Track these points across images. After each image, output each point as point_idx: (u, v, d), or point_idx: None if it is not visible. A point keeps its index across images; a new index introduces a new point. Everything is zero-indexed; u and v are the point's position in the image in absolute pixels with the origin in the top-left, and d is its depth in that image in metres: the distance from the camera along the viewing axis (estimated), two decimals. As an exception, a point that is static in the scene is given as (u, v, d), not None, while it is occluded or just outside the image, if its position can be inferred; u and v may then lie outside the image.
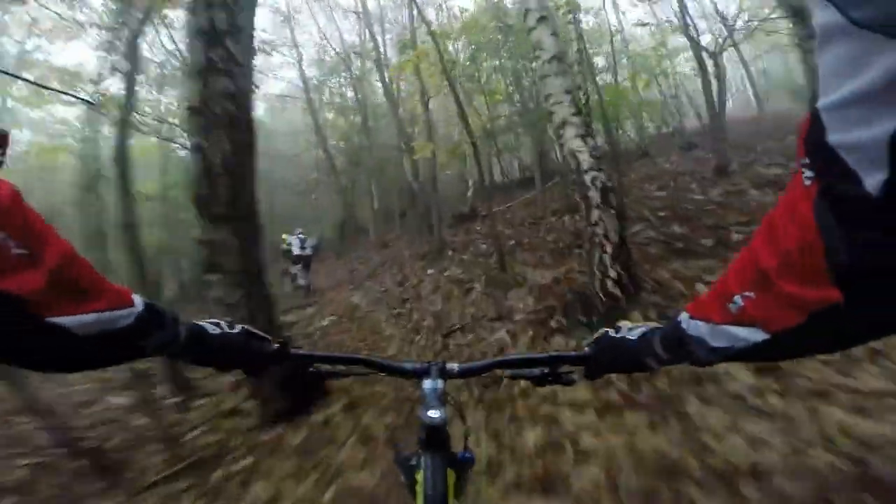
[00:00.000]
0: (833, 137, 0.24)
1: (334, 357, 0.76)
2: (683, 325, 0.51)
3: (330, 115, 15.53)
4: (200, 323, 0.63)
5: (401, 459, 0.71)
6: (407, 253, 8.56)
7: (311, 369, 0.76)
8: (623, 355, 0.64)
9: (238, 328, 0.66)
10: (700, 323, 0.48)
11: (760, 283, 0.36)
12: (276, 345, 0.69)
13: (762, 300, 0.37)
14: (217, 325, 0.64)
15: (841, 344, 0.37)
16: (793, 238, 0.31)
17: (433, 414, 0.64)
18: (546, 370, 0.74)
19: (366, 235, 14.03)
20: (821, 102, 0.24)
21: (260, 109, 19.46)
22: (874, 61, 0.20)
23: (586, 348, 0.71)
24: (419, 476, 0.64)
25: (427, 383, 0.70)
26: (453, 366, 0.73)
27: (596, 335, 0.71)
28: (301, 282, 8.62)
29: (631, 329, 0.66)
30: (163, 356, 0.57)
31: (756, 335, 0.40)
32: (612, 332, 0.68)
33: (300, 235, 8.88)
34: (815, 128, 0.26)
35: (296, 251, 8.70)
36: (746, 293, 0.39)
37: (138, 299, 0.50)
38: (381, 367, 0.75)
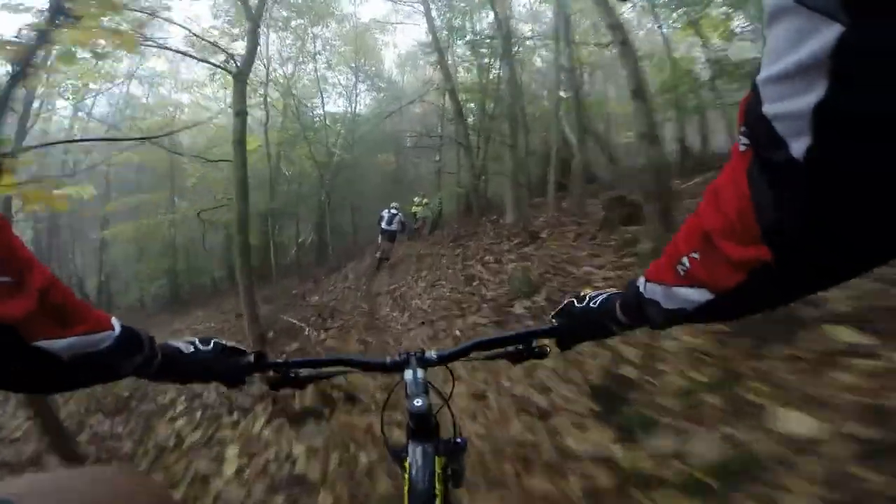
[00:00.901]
0: (767, 108, 0.26)
1: (312, 361, 0.79)
2: (641, 289, 0.52)
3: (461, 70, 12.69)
4: (174, 343, 0.65)
5: (393, 452, 0.74)
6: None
7: (290, 375, 0.75)
8: (588, 323, 0.67)
9: (212, 344, 0.69)
10: (655, 285, 0.49)
11: (704, 244, 0.38)
12: (252, 355, 0.71)
13: (706, 260, 0.39)
14: (191, 343, 0.67)
15: (779, 300, 0.39)
16: (731, 201, 0.33)
17: (417, 402, 0.66)
18: (521, 346, 0.76)
19: (492, 214, 9.03)
20: (760, 76, 0.26)
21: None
22: (809, 39, 0.21)
23: (553, 321, 0.73)
24: (407, 463, 0.65)
25: (408, 374, 0.71)
26: (431, 354, 0.75)
27: (560, 306, 0.73)
28: (377, 253, 8.80)
29: (593, 297, 0.67)
30: (139, 377, 0.58)
31: (703, 295, 0.41)
32: (576, 303, 0.70)
33: (392, 209, 9.05)
34: (753, 99, 0.27)
35: (382, 225, 8.90)
36: (692, 254, 0.40)
37: (116, 322, 0.51)
38: (361, 364, 0.78)
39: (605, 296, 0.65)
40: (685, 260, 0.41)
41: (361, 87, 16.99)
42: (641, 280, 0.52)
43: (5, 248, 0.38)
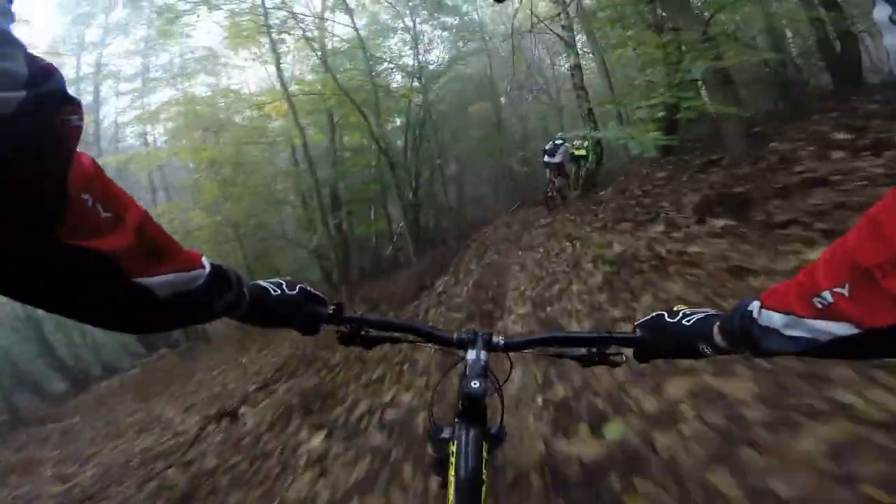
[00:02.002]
0: None
1: (384, 322, 0.75)
2: (755, 315, 0.49)
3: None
4: (262, 284, 0.65)
5: (434, 431, 0.72)
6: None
7: (361, 333, 0.72)
8: (675, 340, 0.63)
9: (297, 288, 0.67)
10: (775, 314, 0.46)
11: (858, 277, 0.36)
12: (332, 307, 0.70)
13: (859, 296, 0.36)
14: (278, 285, 0.66)
15: None
16: None
17: (475, 385, 0.63)
18: (594, 350, 0.70)
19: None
20: None
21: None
22: None
23: (637, 330, 0.69)
24: (453, 447, 0.64)
25: (471, 354, 0.68)
26: (499, 339, 0.72)
27: (648, 317, 0.69)
28: (547, 191, 7.97)
29: (687, 315, 0.63)
30: (228, 317, 0.57)
31: (845, 330, 0.39)
32: (666, 316, 0.66)
33: (558, 141, 8.02)
34: None
35: (545, 158, 8.02)
36: (837, 289, 0.38)
37: (206, 261, 0.50)
38: (428, 334, 0.74)
39: (701, 315, 0.62)
40: (826, 294, 0.39)
41: (425, 27, 13.75)
42: (755, 305, 0.49)
43: (104, 188, 0.37)
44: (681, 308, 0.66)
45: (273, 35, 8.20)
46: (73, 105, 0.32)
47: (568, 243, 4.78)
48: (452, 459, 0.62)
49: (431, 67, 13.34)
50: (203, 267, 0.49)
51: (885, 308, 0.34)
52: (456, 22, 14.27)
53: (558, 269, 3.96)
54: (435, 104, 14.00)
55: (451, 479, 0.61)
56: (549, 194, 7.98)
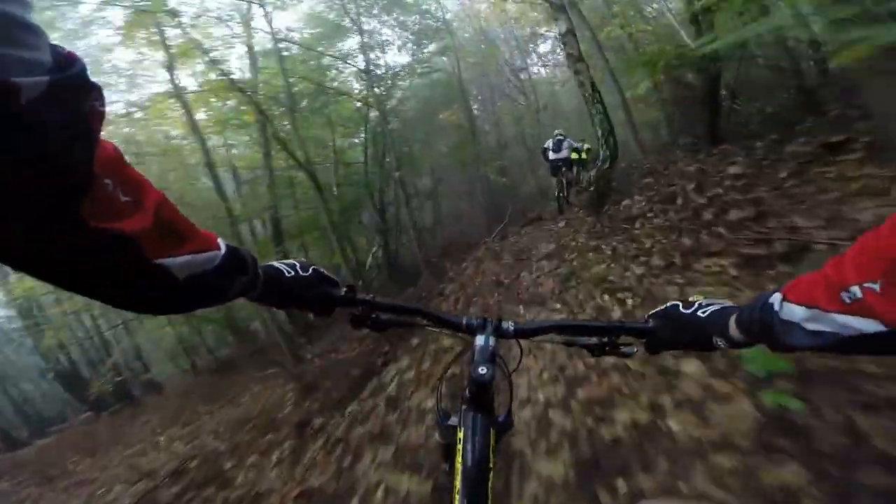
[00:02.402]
0: None
1: (396, 306, 0.74)
2: (776, 308, 0.48)
3: None
4: (276, 265, 0.65)
5: (441, 417, 0.71)
6: None
7: (373, 316, 0.71)
8: (690, 331, 0.62)
9: (310, 270, 0.68)
10: (798, 307, 0.45)
11: (891, 275, 0.35)
12: (345, 289, 0.70)
13: (890, 292, 0.36)
14: (292, 266, 0.66)
15: None
16: None
17: (482, 370, 0.62)
18: (605, 339, 0.69)
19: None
20: None
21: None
22: None
23: (650, 320, 0.68)
24: (461, 434, 0.63)
25: (480, 339, 0.68)
26: (509, 325, 0.70)
27: (662, 307, 0.67)
28: (556, 192, 7.45)
29: (703, 305, 0.62)
30: (244, 297, 0.57)
31: (871, 326, 0.38)
32: (681, 307, 0.65)
33: (558, 136, 7.53)
34: None
35: (550, 157, 7.46)
36: (868, 284, 0.37)
37: (222, 243, 0.50)
38: (438, 319, 0.74)
39: (717, 307, 0.61)
40: (855, 289, 0.38)
41: (379, 26, 11.93)
42: (776, 297, 0.48)
43: (124, 172, 0.38)
44: (696, 299, 0.65)
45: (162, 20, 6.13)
46: (97, 91, 0.33)
47: (609, 298, 2.83)
48: (459, 447, 0.61)
49: (386, 72, 11.42)
50: (219, 248, 0.49)
51: None
52: (416, 20, 12.50)
53: (619, 383, 1.97)
54: (397, 111, 12.18)
55: (459, 466, 0.59)
56: (560, 194, 7.41)
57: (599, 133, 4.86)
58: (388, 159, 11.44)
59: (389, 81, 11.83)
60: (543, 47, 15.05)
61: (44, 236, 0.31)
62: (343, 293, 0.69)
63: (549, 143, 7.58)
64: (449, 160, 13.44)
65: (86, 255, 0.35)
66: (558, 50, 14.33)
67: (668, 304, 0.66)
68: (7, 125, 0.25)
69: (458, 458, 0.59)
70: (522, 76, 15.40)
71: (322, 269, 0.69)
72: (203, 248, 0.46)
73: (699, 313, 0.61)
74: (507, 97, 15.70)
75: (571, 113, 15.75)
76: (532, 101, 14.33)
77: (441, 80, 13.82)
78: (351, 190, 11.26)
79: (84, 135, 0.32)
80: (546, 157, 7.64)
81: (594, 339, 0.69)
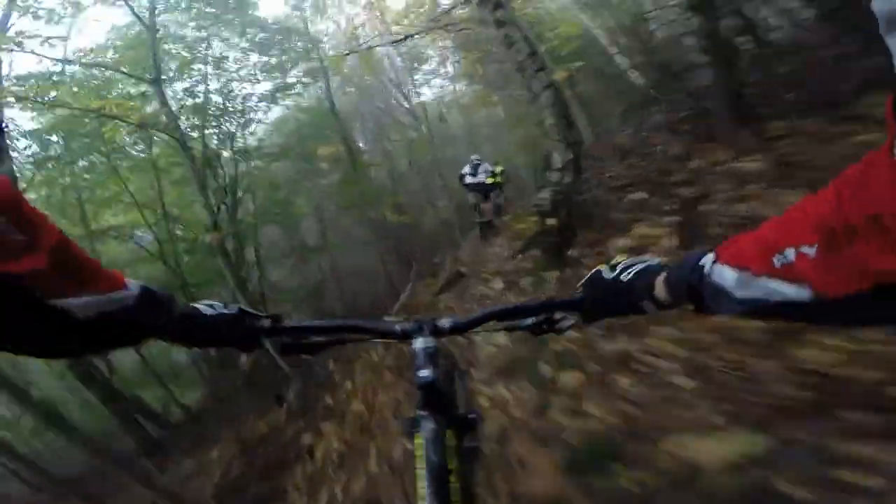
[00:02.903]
0: None
1: (324, 326, 0.73)
2: (706, 270, 0.44)
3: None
4: (196, 305, 0.62)
5: (404, 424, 0.68)
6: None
7: (304, 340, 0.70)
8: (617, 298, 0.59)
9: (233, 307, 0.66)
10: (731, 270, 0.41)
11: (828, 241, 0.33)
12: (269, 320, 0.67)
13: (825, 260, 0.33)
14: (213, 306, 0.64)
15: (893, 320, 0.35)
16: (888, 202, 0.28)
17: (424, 373, 0.62)
18: (540, 318, 0.68)
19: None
20: None
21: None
22: None
23: (580, 290, 0.66)
24: (418, 439, 0.61)
25: (418, 343, 0.66)
26: (444, 322, 0.69)
27: (589, 274, 0.65)
28: (478, 217, 7.42)
29: (627, 267, 0.59)
30: (159, 338, 0.56)
31: (800, 294, 0.35)
32: (605, 272, 0.61)
33: (475, 161, 7.54)
34: None
35: (467, 180, 7.41)
36: (803, 248, 0.34)
37: (133, 283, 0.49)
38: (372, 330, 0.73)
39: (641, 266, 0.57)
40: (789, 252, 0.35)
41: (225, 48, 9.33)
42: (709, 259, 0.45)
43: (19, 210, 0.37)
44: (621, 260, 0.61)
45: None
46: None
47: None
48: (418, 452, 0.60)
49: (231, 102, 8.80)
50: (127, 288, 0.48)
51: (849, 276, 0.31)
52: (265, 36, 10.01)
53: None
54: (258, 150, 9.51)
55: (419, 471, 0.58)
56: (482, 220, 7.50)
57: (552, 121, 2.82)
58: (251, 211, 8.74)
59: (240, 114, 9.22)
60: (427, 66, 13.52)
61: None
62: (266, 324, 0.66)
63: (467, 169, 7.57)
64: (335, 203, 10.98)
65: None
66: (446, 65, 12.91)
67: (595, 270, 0.63)
68: None
69: (420, 463, 0.58)
70: (413, 98, 13.71)
71: (244, 307, 0.66)
72: (108, 289, 0.45)
73: (622, 277, 0.58)
74: (398, 123, 13.89)
75: (460, 137, 14.64)
76: (422, 123, 12.59)
77: (313, 107, 11.50)
78: (207, 260, 8.27)
79: None
80: (464, 183, 7.62)
81: (531, 321, 0.68)
